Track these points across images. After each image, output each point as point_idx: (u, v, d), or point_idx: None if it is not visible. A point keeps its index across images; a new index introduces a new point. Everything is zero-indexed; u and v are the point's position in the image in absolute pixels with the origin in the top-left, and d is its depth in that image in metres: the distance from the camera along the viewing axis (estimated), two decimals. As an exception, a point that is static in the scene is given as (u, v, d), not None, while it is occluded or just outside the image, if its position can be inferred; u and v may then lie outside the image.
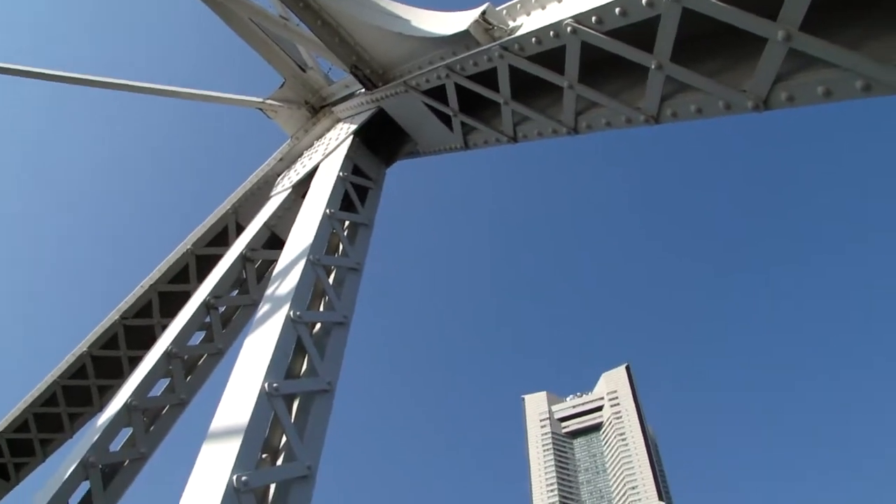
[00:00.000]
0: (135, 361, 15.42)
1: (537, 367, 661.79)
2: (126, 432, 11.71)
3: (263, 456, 7.48)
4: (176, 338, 11.73)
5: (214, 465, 6.71)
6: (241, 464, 6.59)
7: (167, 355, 11.64)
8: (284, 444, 7.49)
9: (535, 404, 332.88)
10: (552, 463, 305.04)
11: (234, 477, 6.43)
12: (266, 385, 7.39)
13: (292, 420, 7.65)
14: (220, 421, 7.34)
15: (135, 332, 15.63)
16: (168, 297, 15.33)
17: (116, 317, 15.59)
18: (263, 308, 8.95)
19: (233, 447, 6.76)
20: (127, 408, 11.23)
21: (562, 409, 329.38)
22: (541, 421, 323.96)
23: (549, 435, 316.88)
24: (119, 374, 15.81)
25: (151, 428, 12.17)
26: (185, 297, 13.50)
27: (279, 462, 7.43)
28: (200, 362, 12.96)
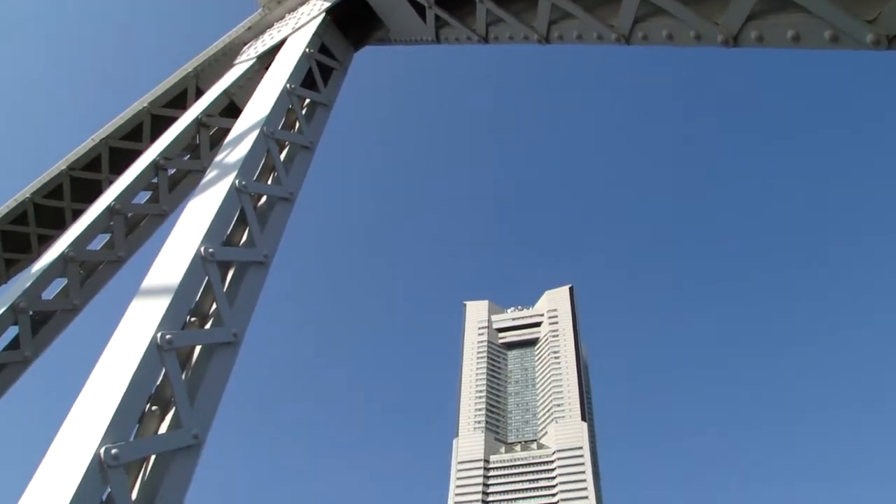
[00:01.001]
0: (78, 214, 15.15)
1: (485, 276, 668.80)
2: (60, 283, 11.68)
3: (192, 320, 7.54)
4: (121, 194, 11.60)
5: (141, 321, 6.76)
6: (167, 322, 6.65)
7: (110, 211, 11.52)
8: (214, 311, 7.54)
9: (476, 311, 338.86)
10: (484, 371, 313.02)
11: (160, 335, 6.49)
12: (202, 249, 7.40)
13: (224, 288, 7.68)
14: (152, 280, 7.35)
15: (81, 184, 15.31)
16: (119, 154, 15.00)
17: (64, 167, 15.22)
18: (211, 174, 8.89)
19: (161, 305, 6.79)
20: (63, 258, 11.17)
21: (501, 319, 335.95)
22: (479, 329, 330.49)
23: (486, 343, 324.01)
24: (61, 224, 15.54)
25: (87, 281, 12.16)
26: (135, 156, 13.26)
27: (207, 327, 7.49)
28: (143, 222, 12.87)
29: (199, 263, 7.35)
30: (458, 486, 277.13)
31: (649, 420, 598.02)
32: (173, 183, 12.81)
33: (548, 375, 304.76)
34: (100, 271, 12.30)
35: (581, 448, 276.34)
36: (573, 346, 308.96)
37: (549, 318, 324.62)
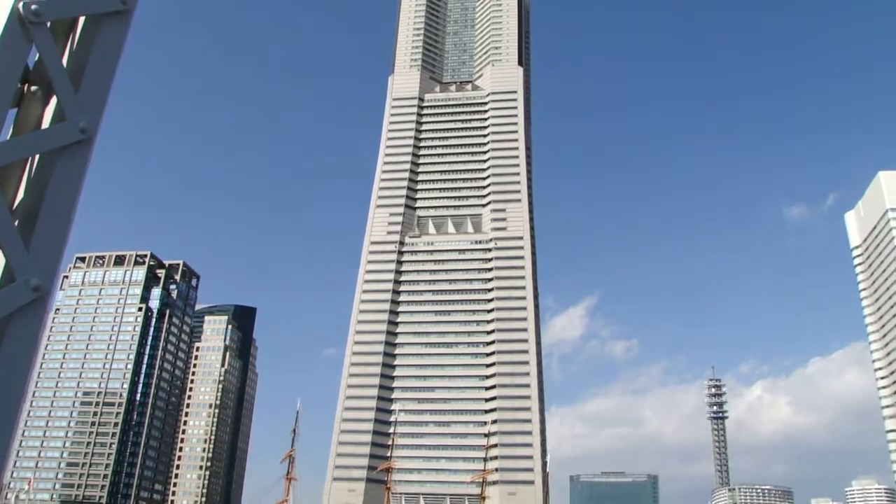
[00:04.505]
0: None
1: None
2: None
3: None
4: None
5: None
6: None
7: None
8: (50, 100, 5.99)
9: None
10: (423, 8, 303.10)
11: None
12: (21, 6, 5.44)
13: (65, 56, 5.93)
14: None
15: None
16: None
17: None
18: None
19: None
20: None
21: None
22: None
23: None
24: None
25: None
26: None
27: (45, 124, 5.87)
28: None
29: (17, 27, 5.56)
30: (391, 123, 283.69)
31: (586, 74, 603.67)
32: None
33: (488, 17, 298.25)
34: None
35: (515, 92, 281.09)
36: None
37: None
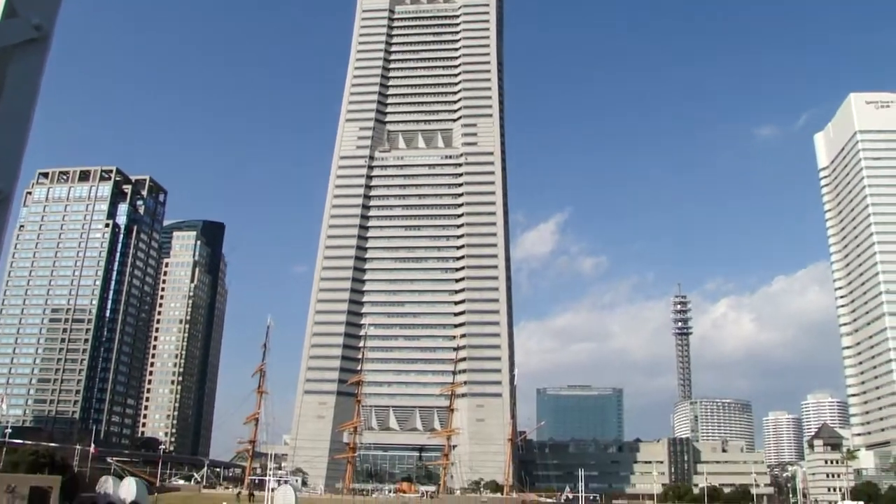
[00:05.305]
0: None
1: None
2: None
3: None
4: None
5: None
6: None
7: None
8: None
9: None
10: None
11: None
12: None
13: None
14: None
15: None
16: None
17: None
18: None
19: None
20: None
21: None
22: None
23: None
24: None
25: None
26: None
27: None
28: None
29: None
30: (361, 36, 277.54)
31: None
32: None
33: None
34: None
35: (488, 5, 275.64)
36: None
37: None
